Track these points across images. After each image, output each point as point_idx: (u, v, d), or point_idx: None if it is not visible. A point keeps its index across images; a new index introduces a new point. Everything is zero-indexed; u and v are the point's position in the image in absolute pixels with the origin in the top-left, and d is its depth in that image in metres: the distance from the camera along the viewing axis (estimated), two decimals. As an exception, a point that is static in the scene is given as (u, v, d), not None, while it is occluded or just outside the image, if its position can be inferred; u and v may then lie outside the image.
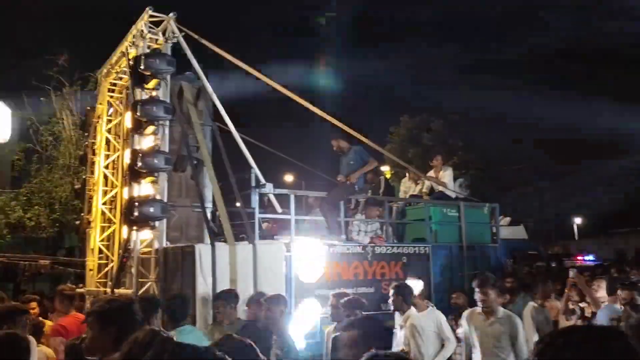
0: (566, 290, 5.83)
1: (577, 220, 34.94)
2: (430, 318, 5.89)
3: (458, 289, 7.25)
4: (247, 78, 8.66)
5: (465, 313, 5.46)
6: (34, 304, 6.85)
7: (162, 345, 1.64)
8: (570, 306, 6.04)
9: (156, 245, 7.37)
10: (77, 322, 5.94)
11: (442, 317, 6.00)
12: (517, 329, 5.07)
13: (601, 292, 6.07)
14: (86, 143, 10.09)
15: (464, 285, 7.58)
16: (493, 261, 9.04)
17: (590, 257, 22.70)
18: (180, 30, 7.94)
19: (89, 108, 10.27)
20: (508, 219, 10.85)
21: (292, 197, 7.44)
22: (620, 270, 10.23)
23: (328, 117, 8.70)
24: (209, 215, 7.91)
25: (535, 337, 5.92)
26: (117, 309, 2.77)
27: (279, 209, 8.08)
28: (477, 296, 5.14)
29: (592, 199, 30.73)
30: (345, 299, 5.23)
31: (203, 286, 6.18)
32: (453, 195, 9.55)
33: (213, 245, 6.44)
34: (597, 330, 1.41)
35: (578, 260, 23.11)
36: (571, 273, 5.60)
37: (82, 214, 9.76)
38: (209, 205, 7.97)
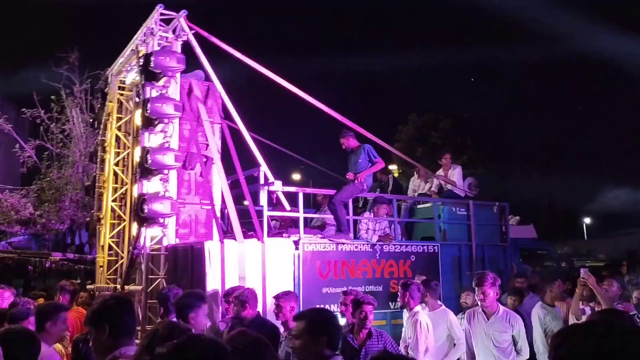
0: (577, 290, 5.79)
1: (587, 220, 34.77)
2: (441, 318, 5.87)
3: (467, 288, 7.22)
4: (256, 75, 8.66)
5: (467, 312, 5.45)
6: (41, 300, 6.90)
7: (184, 338, 1.65)
8: (581, 306, 6.00)
9: (166, 242, 7.41)
10: (80, 317, 6.02)
11: (454, 318, 5.96)
12: (518, 328, 5.02)
13: (612, 292, 6.02)
14: (96, 140, 10.16)
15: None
16: (502, 261, 8.99)
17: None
18: (191, 28, 7.97)
19: (99, 106, 10.34)
20: (517, 218, 10.79)
21: (300, 195, 7.44)
22: (630, 270, 10.17)
23: (337, 116, 8.70)
24: (218, 212, 7.94)
25: (543, 337, 5.89)
26: (107, 307, 2.79)
27: (288, 207, 8.10)
28: (476, 295, 5.13)
29: (603, 199, 30.51)
30: (354, 296, 5.23)
31: (212, 283, 6.21)
32: (462, 194, 9.52)
33: (222, 243, 6.46)
34: (617, 325, 1.40)
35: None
36: (582, 272, 5.55)
37: (92, 211, 9.82)
38: (218, 202, 8.01)
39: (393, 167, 17.29)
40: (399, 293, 5.88)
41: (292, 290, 6.25)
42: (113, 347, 2.63)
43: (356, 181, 7.53)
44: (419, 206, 9.56)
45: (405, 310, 5.99)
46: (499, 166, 25.78)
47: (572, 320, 6.09)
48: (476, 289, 5.11)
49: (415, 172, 10.63)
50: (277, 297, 5.11)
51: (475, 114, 26.77)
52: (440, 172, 9.84)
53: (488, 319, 5.08)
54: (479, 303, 5.18)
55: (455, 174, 9.63)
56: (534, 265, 10.01)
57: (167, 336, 2.16)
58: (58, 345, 5.10)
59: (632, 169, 27.45)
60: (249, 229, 7.28)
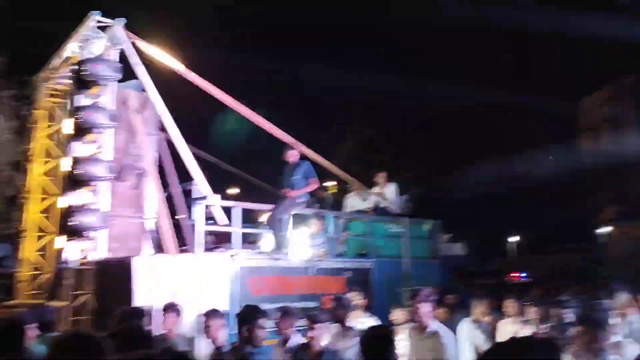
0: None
1: (513, 239, 36.29)
2: (350, 337, 5.82)
3: (397, 304, 7.29)
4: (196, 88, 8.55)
5: (406, 328, 5.53)
6: None
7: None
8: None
9: (94, 256, 7.14)
10: None
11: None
12: (443, 344, 5.08)
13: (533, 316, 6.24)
14: (21, 149, 9.72)
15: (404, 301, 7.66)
16: (434, 277, 9.22)
17: (525, 275, 24.15)
18: (130, 37, 7.77)
19: (26, 113, 9.93)
20: (449, 235, 11.12)
21: (238, 210, 7.37)
22: (546, 288, 10.58)
23: (275, 130, 8.70)
24: (150, 226, 7.75)
25: (471, 353, 6.04)
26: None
27: (225, 221, 7.98)
28: (411, 310, 5.23)
29: (531, 217, 32.01)
30: (286, 312, 5.22)
31: (141, 299, 6.01)
32: (397, 211, 9.73)
33: (152, 257, 6.30)
34: (533, 339, 1.48)
35: (515, 277, 24.24)
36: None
37: (16, 223, 9.36)
38: (151, 216, 7.80)
39: (332, 183, 17.42)
40: (331, 308, 5.87)
41: (228, 305, 6.15)
42: None
43: (291, 196, 7.56)
44: (353, 222, 9.68)
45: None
46: (437, 182, 26.22)
47: (498, 337, 6.31)
48: (410, 303, 5.20)
49: (351, 189, 10.75)
50: (206, 315, 4.94)
51: (411, 130, 27.23)
52: (376, 189, 10.03)
53: (421, 334, 5.16)
54: (414, 318, 5.26)
55: (390, 191, 9.84)
56: (463, 282, 10.33)
57: (71, 347, 2.05)
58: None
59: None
60: (186, 243, 7.14)
